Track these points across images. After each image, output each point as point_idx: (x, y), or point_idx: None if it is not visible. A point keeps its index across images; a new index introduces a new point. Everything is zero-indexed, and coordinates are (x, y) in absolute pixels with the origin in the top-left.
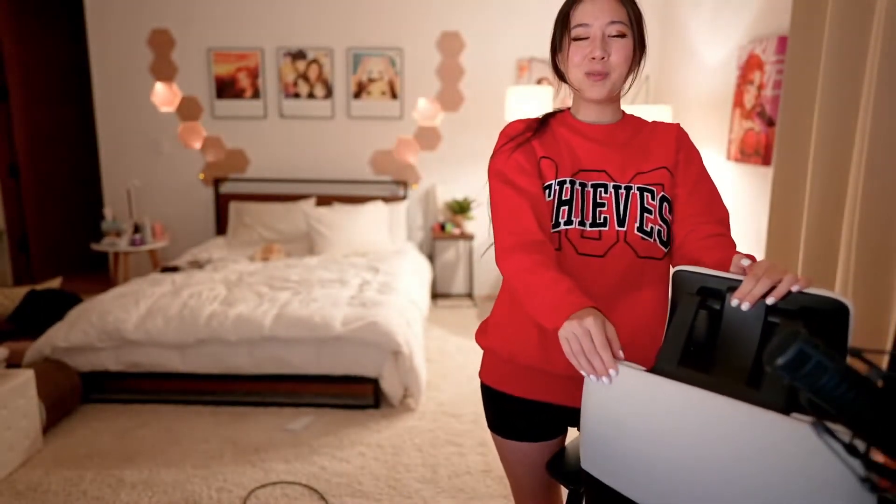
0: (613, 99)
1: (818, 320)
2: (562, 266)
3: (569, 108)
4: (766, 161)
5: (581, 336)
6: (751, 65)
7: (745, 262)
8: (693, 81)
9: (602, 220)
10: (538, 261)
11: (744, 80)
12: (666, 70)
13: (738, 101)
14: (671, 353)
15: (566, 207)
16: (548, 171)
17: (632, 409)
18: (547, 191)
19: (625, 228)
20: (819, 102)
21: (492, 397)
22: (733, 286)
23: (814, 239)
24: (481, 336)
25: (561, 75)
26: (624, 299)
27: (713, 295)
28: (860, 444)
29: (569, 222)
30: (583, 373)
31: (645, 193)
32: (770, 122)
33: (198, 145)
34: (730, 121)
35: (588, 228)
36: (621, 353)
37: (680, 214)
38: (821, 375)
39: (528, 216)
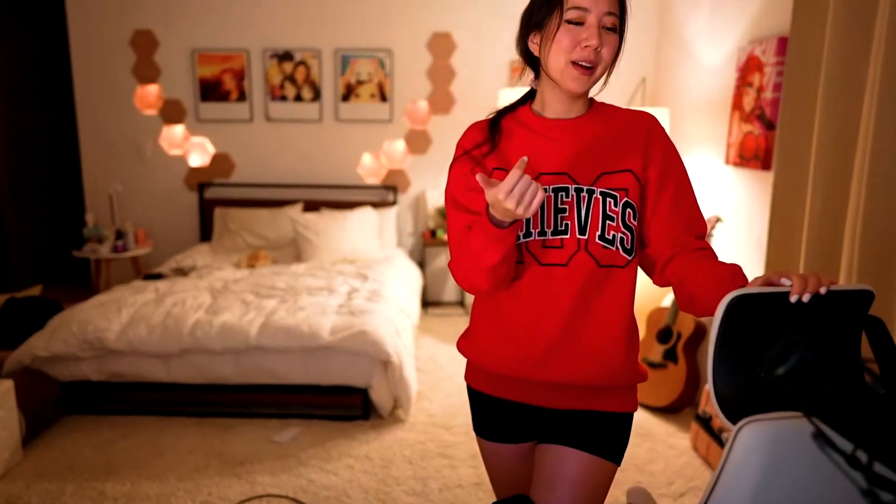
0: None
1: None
2: (524, 278)
3: (528, 102)
4: (765, 165)
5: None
6: (750, 66)
7: (786, 280)
8: (691, 83)
9: (563, 227)
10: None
11: (743, 82)
12: (663, 72)
13: (737, 104)
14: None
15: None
16: None
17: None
18: None
19: (586, 237)
20: (820, 105)
21: (474, 398)
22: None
23: (815, 245)
24: (461, 341)
25: (531, 60)
26: (588, 311)
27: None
28: (862, 456)
29: (527, 234)
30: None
31: (608, 199)
32: (770, 126)
33: (180, 150)
34: (728, 124)
35: (549, 237)
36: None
37: (663, 232)
38: (823, 385)
39: None
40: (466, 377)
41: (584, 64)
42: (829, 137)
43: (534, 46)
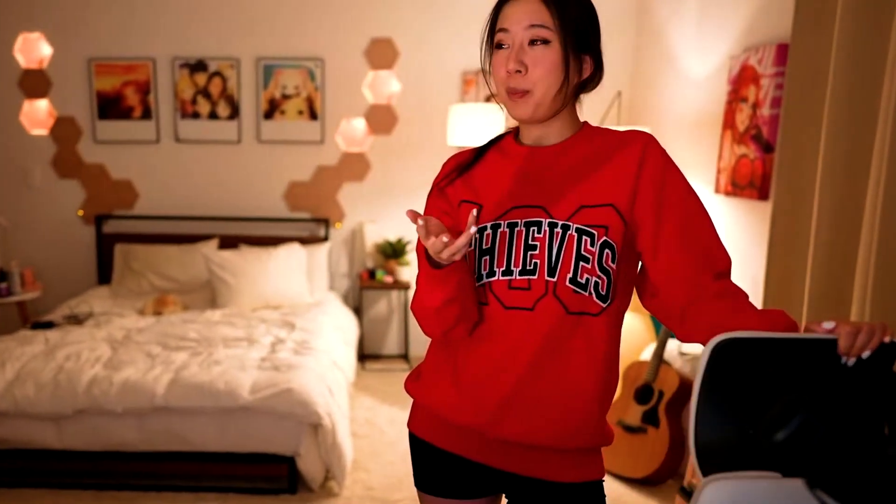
0: (553, 115)
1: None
2: (486, 322)
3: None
4: (763, 195)
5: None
6: (744, 78)
7: (829, 325)
8: (674, 98)
9: (532, 267)
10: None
11: (736, 96)
12: (641, 85)
13: (729, 123)
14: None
15: (487, 257)
16: (467, 218)
17: None
18: None
19: (555, 279)
20: (827, 123)
21: (417, 447)
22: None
23: (821, 286)
24: (410, 382)
25: None
26: (553, 362)
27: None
28: None
29: (491, 273)
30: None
31: (583, 237)
32: (768, 148)
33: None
34: (719, 146)
35: (517, 277)
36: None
37: (671, 275)
38: (829, 449)
39: None
40: (410, 423)
41: (515, 88)
42: (837, 160)
43: None
